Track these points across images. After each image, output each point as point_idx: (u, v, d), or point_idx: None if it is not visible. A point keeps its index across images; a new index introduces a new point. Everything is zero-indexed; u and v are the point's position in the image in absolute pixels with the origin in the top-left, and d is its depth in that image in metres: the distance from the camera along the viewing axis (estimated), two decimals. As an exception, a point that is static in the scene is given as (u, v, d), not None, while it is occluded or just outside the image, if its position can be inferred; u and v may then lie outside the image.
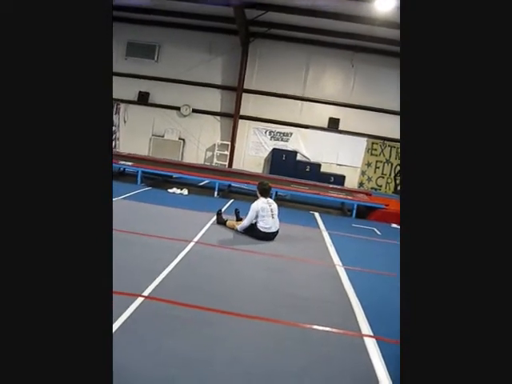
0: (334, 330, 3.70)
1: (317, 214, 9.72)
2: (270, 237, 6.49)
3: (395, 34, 12.68)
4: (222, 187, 11.18)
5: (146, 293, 3.89)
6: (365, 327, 3.83)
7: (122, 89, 15.82)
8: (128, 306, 3.53)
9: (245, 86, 15.54)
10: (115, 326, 3.19)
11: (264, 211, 6.43)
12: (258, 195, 6.73)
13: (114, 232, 5.81)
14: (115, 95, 15.94)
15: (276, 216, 6.56)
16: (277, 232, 6.59)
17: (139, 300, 3.72)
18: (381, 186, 15.89)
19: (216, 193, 10.55)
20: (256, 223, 6.47)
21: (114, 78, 15.77)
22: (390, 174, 15.86)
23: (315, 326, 3.72)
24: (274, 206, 6.65)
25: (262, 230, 6.43)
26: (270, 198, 6.92)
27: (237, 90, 15.46)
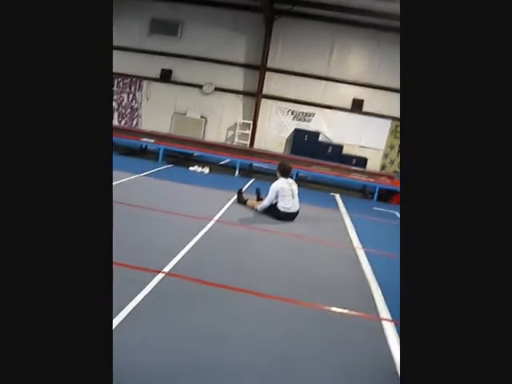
0: (352, 312, 3.70)
1: (338, 196, 9.67)
2: (290, 217, 6.49)
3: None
4: (243, 166, 11.18)
5: (166, 269, 3.94)
6: (383, 311, 3.82)
7: (144, 66, 15.82)
8: (149, 282, 3.59)
9: (268, 65, 15.37)
10: (136, 301, 3.25)
11: (284, 191, 6.41)
12: (278, 175, 6.71)
13: (134, 208, 5.92)
14: (138, 72, 15.99)
15: (296, 196, 6.54)
16: (297, 212, 6.57)
17: (160, 276, 3.77)
18: (403, 169, 15.67)
19: (237, 172, 10.56)
20: (276, 203, 6.46)
21: (138, 55, 15.82)
22: (413, 158, 15.60)
23: (334, 308, 3.72)
24: (295, 186, 6.63)
25: (282, 209, 6.42)
26: (291, 178, 6.89)
27: (260, 68, 15.31)
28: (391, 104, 15.04)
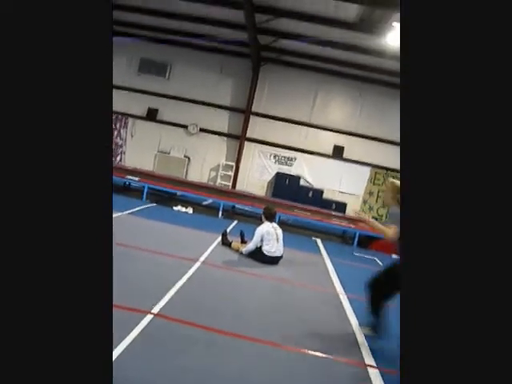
0: (338, 358, 3.76)
1: (319, 241, 9.80)
2: (274, 261, 6.57)
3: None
4: (226, 208, 11.27)
5: (155, 310, 3.96)
6: (368, 357, 3.88)
7: (131, 104, 16.03)
8: (139, 323, 3.60)
9: (253, 109, 15.76)
10: (126, 342, 3.25)
11: (269, 235, 6.52)
12: (263, 219, 6.82)
13: (121, 247, 5.87)
14: (125, 109, 16.17)
15: (281, 240, 6.65)
16: (281, 256, 6.66)
17: (149, 317, 3.78)
18: (382, 216, 15.98)
19: (220, 213, 10.63)
20: (261, 247, 6.55)
21: (125, 93, 16.05)
22: (391, 205, 15.94)
23: (319, 354, 3.77)
24: (279, 230, 6.74)
25: (267, 253, 6.51)
26: (275, 222, 7.02)
27: (245, 112, 15.67)
28: (371, 152, 15.50)
